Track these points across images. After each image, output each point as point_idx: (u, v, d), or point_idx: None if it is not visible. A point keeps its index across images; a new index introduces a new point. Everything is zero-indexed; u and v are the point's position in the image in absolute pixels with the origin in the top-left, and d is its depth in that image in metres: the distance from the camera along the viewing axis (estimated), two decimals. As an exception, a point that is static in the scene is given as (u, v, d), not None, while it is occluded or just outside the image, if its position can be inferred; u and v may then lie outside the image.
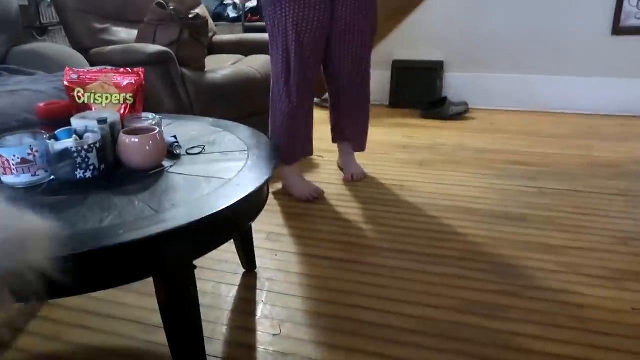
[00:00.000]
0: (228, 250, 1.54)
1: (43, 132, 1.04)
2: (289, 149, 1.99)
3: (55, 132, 1.04)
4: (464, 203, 1.94)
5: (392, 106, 3.54)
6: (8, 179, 0.97)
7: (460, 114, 3.20)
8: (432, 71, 3.42)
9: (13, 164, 0.95)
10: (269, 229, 1.75)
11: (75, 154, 0.99)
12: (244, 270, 1.49)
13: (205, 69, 2.28)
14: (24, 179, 0.97)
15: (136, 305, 1.33)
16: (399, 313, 1.29)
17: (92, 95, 1.23)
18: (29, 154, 0.96)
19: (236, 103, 2.25)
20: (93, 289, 0.85)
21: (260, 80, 2.35)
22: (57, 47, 2.25)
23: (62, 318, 1.29)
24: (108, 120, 1.08)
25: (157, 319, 1.25)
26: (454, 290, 1.38)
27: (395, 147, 2.65)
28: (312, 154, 2.10)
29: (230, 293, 1.39)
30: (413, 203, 1.95)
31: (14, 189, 0.97)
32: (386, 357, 1.14)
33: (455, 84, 3.48)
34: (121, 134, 1.07)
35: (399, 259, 1.55)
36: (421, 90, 3.43)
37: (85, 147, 1.00)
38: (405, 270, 1.48)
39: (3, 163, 0.96)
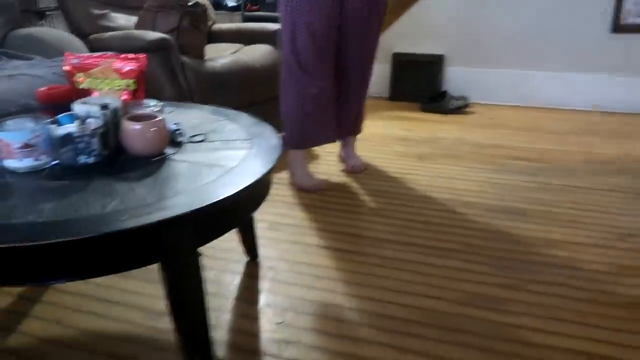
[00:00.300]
0: (231, 239, 1.53)
1: (45, 116, 1.02)
2: (298, 133, 1.98)
3: (57, 117, 1.03)
4: (464, 197, 1.94)
5: (392, 99, 3.53)
6: (10, 164, 0.95)
7: (460, 108, 3.19)
8: (432, 65, 3.41)
9: (15, 149, 0.94)
10: (271, 219, 1.75)
11: (78, 139, 0.98)
12: (247, 259, 1.49)
13: (205, 58, 2.26)
14: (26, 163, 0.95)
15: (139, 292, 1.33)
16: (401, 304, 1.29)
17: (94, 80, 1.22)
18: (31, 139, 0.95)
19: (236, 92, 2.24)
20: (96, 274, 0.84)
21: (260, 70, 2.33)
22: (55, 32, 2.22)
23: (66, 303, 1.29)
24: (110, 106, 1.06)
25: (160, 305, 1.26)
26: (456, 283, 1.38)
27: (394, 140, 2.64)
28: (332, 141, 2.09)
29: (233, 281, 1.39)
30: (413, 195, 1.94)
31: (16, 173, 0.96)
32: (389, 346, 1.14)
33: (456, 78, 3.47)
34: (124, 120, 1.06)
35: (400, 250, 1.54)
36: (421, 84, 3.43)
37: (88, 132, 0.98)
38: (406, 262, 1.48)
39: (5, 147, 0.94)
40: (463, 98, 3.23)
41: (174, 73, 2.08)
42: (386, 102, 3.49)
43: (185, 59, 2.12)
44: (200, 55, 2.24)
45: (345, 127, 2.16)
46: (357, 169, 2.18)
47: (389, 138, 2.66)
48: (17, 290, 1.34)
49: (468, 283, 1.38)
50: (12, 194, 0.89)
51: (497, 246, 1.58)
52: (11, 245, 0.74)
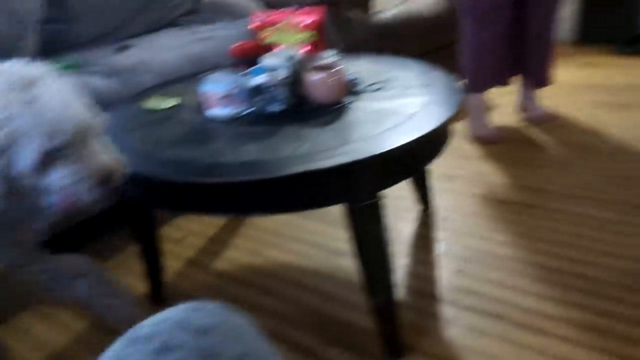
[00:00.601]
0: (403, 187, 1.54)
1: (238, 70, 1.12)
2: (476, 76, 1.93)
3: (249, 69, 1.11)
4: (673, 150, 1.67)
5: (581, 43, 3.13)
6: (213, 112, 1.08)
7: (668, 48, 2.71)
8: (629, 0, 2.94)
9: (217, 99, 1.05)
10: (445, 170, 1.72)
11: (268, 89, 1.05)
12: (420, 208, 1.49)
13: (374, 10, 2.25)
14: (226, 112, 1.07)
15: (319, 232, 1.44)
16: (592, 263, 1.18)
17: (278, 35, 1.29)
18: (229, 90, 1.05)
19: (406, 42, 2.20)
20: (290, 210, 0.92)
21: (430, 19, 2.26)
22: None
23: (259, 237, 1.47)
24: (294, 58, 1.12)
25: (340, 245, 1.36)
26: (662, 245, 1.21)
27: (584, 87, 2.36)
28: (504, 84, 2.00)
29: (406, 228, 1.41)
30: (608, 148, 1.73)
31: (218, 121, 1.07)
32: (575, 305, 1.06)
33: (662, 13, 2.94)
34: (306, 70, 1.10)
35: (590, 207, 1.40)
36: (616, 24, 2.98)
37: (276, 82, 1.05)
38: (598, 220, 1.34)
39: (209, 98, 1.06)
40: (672, 37, 2.74)
41: (344, 26, 2.11)
42: (574, 46, 3.11)
43: (354, 12, 2.13)
44: (369, 8, 2.24)
45: (532, 77, 1.99)
46: (540, 120, 2.01)
47: (577, 86, 2.38)
48: (220, 222, 1.56)
49: (679, 246, 1.20)
50: (217, 138, 1.00)
51: None
52: (220, 180, 0.84)
